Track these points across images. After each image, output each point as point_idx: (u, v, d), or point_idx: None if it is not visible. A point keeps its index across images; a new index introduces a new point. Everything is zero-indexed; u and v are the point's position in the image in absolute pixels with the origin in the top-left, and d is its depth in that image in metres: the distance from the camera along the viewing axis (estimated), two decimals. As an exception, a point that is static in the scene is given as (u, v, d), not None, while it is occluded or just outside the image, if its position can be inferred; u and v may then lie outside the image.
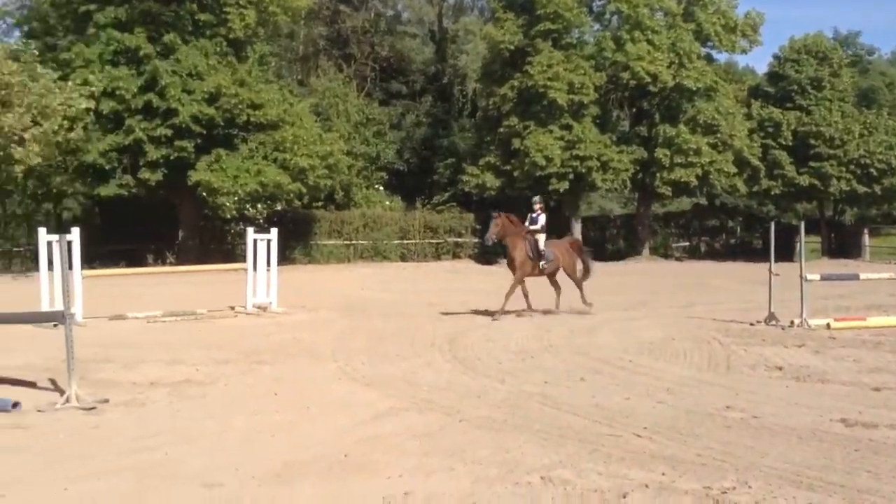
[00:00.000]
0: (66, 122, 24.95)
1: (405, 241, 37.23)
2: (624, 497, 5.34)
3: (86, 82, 26.50)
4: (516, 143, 35.75)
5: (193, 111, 28.15)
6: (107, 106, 27.79)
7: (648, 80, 36.18)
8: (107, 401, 8.17)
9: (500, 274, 31.62)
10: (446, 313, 16.47)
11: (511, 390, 8.84)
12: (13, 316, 10.08)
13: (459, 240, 37.95)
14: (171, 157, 28.69)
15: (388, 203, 39.99)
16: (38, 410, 7.79)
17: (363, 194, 39.55)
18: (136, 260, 30.05)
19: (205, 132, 28.94)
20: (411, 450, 6.54)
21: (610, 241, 43.38)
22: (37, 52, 25.61)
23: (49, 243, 14.38)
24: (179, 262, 30.27)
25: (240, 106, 29.14)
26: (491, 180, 36.20)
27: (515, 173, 35.80)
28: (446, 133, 44.72)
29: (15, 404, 7.79)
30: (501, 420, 7.48)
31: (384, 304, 18.94)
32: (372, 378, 9.67)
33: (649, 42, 36.65)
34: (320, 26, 45.58)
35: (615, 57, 36.93)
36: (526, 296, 16.27)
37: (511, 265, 16.21)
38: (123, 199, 29.80)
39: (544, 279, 16.67)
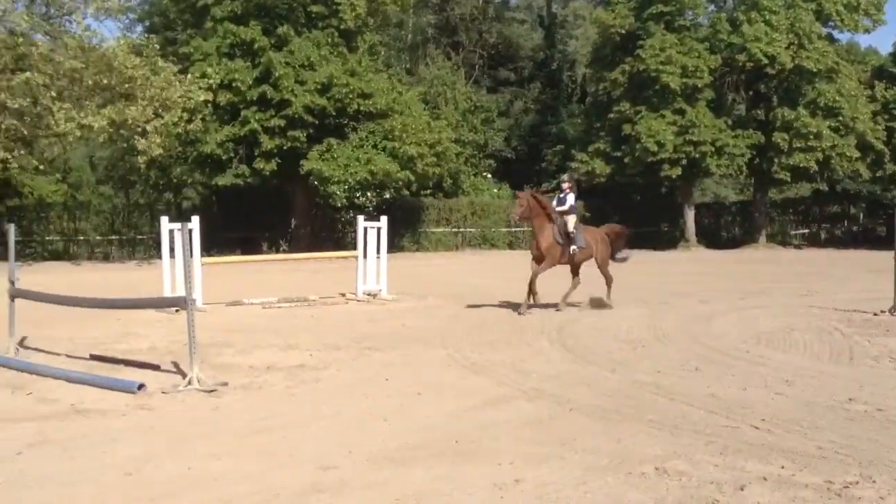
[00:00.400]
0: (185, 114, 25.79)
1: (513, 229, 37.14)
2: (742, 489, 5.19)
3: (204, 75, 27.32)
4: (627, 128, 35.24)
5: (306, 101, 28.73)
6: (224, 98, 28.63)
7: (766, 61, 35.09)
8: (226, 384, 8.41)
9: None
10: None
11: (622, 380, 8.70)
12: (138, 301, 10.50)
13: (569, 227, 37.65)
14: (285, 147, 29.38)
15: (495, 191, 40.00)
16: (163, 392, 8.08)
17: (471, 182, 39.67)
18: (250, 247, 30.93)
19: (316, 122, 29.52)
20: (521, 437, 6.51)
21: (725, 229, 42.38)
22: (158, 47, 26.52)
23: (171, 231, 14.91)
24: (292, 249, 31.00)
25: (350, 96, 29.60)
26: (601, 167, 35.80)
27: (626, 160, 35.29)
28: (555, 119, 44.40)
29: (140, 386, 8.10)
30: (613, 409, 7.36)
31: (492, 291, 18.89)
32: (481, 365, 9.67)
33: (767, 23, 35.51)
34: (429, 14, 45.81)
35: (731, 39, 35.95)
36: (533, 289, 14.56)
37: (537, 251, 14.49)
38: (239, 188, 30.67)
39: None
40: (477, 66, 46.04)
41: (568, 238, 14.40)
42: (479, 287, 20.10)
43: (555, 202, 14.82)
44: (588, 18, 43.99)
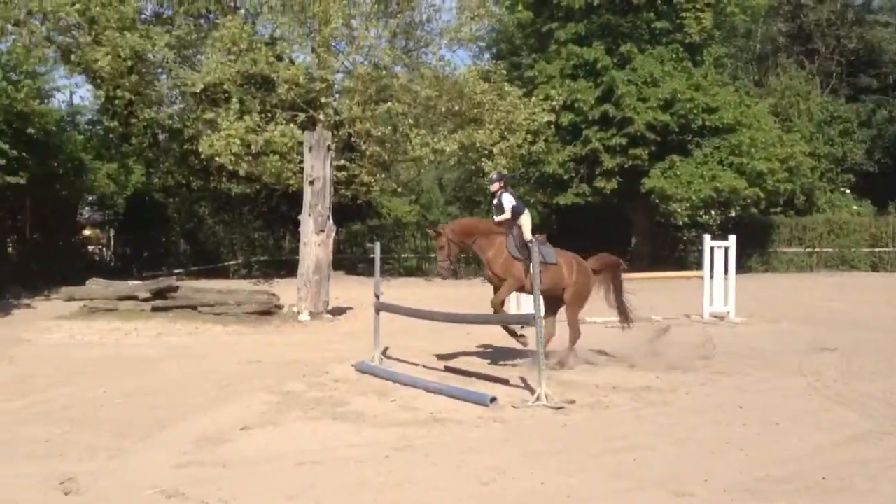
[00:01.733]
0: (529, 136, 26.52)
1: (876, 249, 33.91)
2: None
3: (547, 97, 27.93)
4: None
5: (648, 119, 28.37)
6: (566, 118, 29.06)
7: None
8: (573, 402, 8.44)
9: None
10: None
11: None
12: (488, 317, 10.86)
13: (948, 248, 33.72)
14: (626, 166, 29.22)
15: (855, 208, 36.86)
16: (513, 406, 8.29)
17: (827, 198, 36.85)
18: (590, 266, 31.02)
19: (659, 139, 29.04)
20: (900, 479, 5.86)
21: None
22: (504, 72, 27.56)
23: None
24: (632, 268, 30.63)
25: (695, 111, 28.79)
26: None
27: None
28: (928, 130, 40.10)
29: (493, 399, 8.36)
30: None
31: (854, 316, 17.41)
32: (846, 396, 8.88)
33: None
34: (780, 23, 43.48)
35: None
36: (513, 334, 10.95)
37: (492, 274, 10.86)
38: (578, 206, 30.96)
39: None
40: (834, 74, 42.86)
41: (527, 249, 10.51)
42: (836, 311, 18.63)
43: (493, 213, 11.47)
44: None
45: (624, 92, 28.68)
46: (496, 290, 10.85)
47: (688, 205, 29.03)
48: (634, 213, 32.41)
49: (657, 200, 29.67)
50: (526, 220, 10.97)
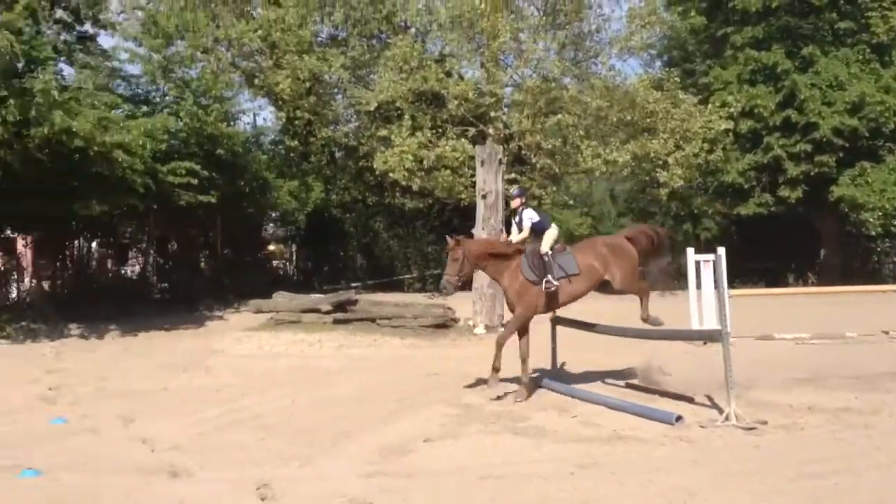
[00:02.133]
0: (705, 145, 25.69)
1: None
2: None
3: (724, 104, 27.04)
4: None
5: (835, 123, 26.99)
6: (745, 125, 28.09)
7: None
8: (765, 422, 8.03)
9: None
10: None
11: None
12: (670, 333, 10.53)
13: None
14: (812, 173, 27.91)
15: None
16: (700, 426, 7.97)
17: None
18: (774, 278, 29.77)
19: (847, 145, 27.54)
20: None
21: None
22: (678, 80, 26.85)
23: (697, 263, 14.80)
24: (821, 281, 29.23)
25: (886, 114, 27.15)
26: None
27: None
28: None
29: (678, 418, 8.08)
30: None
31: None
32: None
33: None
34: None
35: None
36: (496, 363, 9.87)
37: (508, 302, 10.35)
38: (760, 216, 29.80)
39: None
40: None
41: (543, 265, 10.00)
42: None
43: (513, 231, 10.64)
44: None
45: (807, 96, 27.44)
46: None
47: (881, 213, 27.31)
48: (822, 223, 30.86)
49: (847, 209, 28.12)
50: (551, 234, 10.31)
